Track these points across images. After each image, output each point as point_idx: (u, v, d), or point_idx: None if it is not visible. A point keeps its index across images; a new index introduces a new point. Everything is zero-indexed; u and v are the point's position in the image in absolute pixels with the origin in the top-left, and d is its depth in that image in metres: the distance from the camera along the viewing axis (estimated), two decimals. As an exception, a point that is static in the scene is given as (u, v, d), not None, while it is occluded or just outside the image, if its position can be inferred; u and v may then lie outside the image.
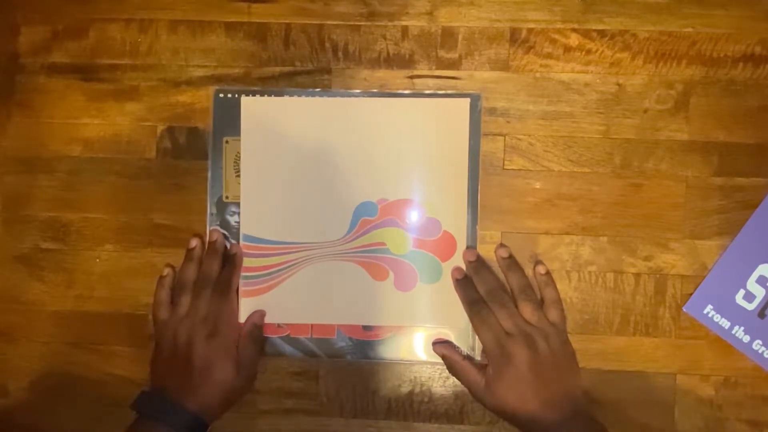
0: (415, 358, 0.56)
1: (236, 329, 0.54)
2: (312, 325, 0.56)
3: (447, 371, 0.55)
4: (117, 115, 0.58)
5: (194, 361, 0.50)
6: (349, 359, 0.56)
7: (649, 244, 0.55)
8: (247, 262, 0.56)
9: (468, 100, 0.55)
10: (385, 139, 0.56)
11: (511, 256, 0.55)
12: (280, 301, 0.56)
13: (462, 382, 0.53)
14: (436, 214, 0.56)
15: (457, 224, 0.56)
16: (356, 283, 0.56)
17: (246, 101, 0.56)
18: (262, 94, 0.56)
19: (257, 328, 0.55)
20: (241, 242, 0.56)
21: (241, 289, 0.56)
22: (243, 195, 0.56)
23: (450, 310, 0.55)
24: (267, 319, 0.55)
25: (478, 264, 0.55)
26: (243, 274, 0.56)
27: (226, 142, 0.56)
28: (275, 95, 0.56)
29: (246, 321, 0.55)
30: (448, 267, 0.55)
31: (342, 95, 0.56)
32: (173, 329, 0.52)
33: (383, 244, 0.56)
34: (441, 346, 0.55)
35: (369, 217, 0.56)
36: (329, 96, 0.56)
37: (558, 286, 0.55)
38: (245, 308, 0.55)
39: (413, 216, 0.56)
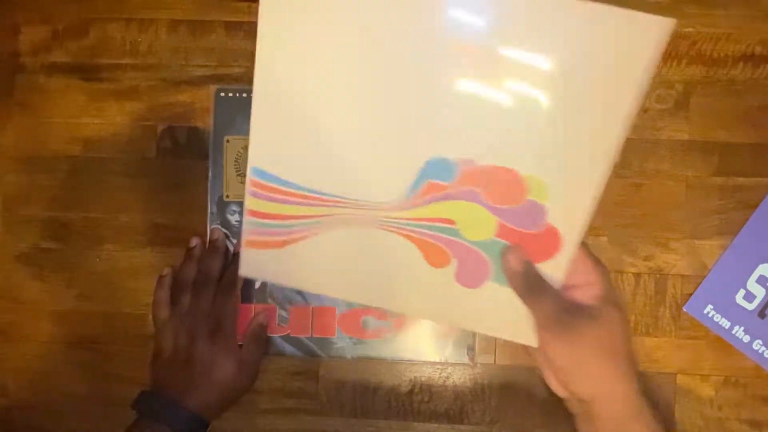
0: (416, 358, 0.56)
1: (238, 328, 0.54)
2: (312, 324, 0.56)
3: (446, 371, 0.55)
4: (117, 115, 0.58)
5: (195, 360, 0.50)
6: (350, 358, 0.56)
7: (649, 244, 0.55)
8: (254, 203, 0.42)
9: (663, 22, 0.35)
10: (491, 64, 0.36)
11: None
12: (296, 262, 0.43)
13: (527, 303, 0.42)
14: (543, 199, 0.39)
15: (571, 219, 0.39)
16: (404, 262, 0.42)
17: None
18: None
19: (262, 328, 0.55)
20: (249, 176, 0.42)
21: (245, 238, 0.44)
22: (255, 106, 0.40)
23: (522, 324, 0.42)
24: (276, 281, 0.46)
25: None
26: (248, 218, 0.43)
27: (227, 141, 0.56)
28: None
29: (251, 321, 0.55)
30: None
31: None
32: (173, 328, 0.52)
33: (452, 222, 0.40)
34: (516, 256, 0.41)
35: (441, 182, 0.39)
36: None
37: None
38: (248, 262, 0.45)
39: (508, 194, 0.39)
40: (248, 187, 0.42)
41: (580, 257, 0.42)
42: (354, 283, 0.44)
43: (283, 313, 0.56)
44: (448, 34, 0.36)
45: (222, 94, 0.57)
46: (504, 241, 0.41)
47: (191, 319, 0.52)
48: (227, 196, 0.56)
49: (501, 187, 0.39)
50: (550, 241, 0.40)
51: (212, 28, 0.58)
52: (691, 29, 0.56)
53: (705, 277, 0.55)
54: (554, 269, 0.41)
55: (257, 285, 0.56)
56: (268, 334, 0.56)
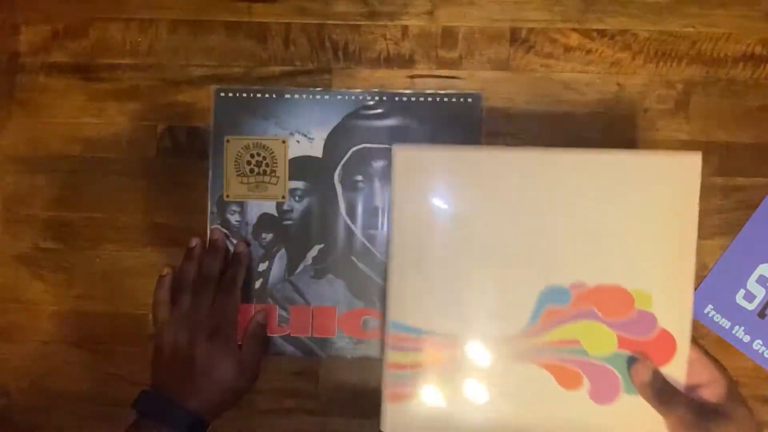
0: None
1: (239, 328, 0.54)
2: (312, 324, 0.56)
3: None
4: (117, 115, 0.58)
5: (195, 361, 0.50)
6: (350, 359, 0.56)
7: (649, 244, 0.55)
8: (396, 356, 0.46)
9: (699, 155, 0.44)
10: (584, 203, 0.44)
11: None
12: (436, 408, 0.46)
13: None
14: (649, 306, 0.44)
15: (678, 320, 0.44)
16: (539, 391, 0.45)
17: (399, 151, 0.45)
18: (263, 94, 0.56)
19: (261, 327, 0.55)
20: (390, 331, 0.46)
21: (387, 390, 0.46)
22: (392, 270, 0.45)
23: (661, 428, 0.44)
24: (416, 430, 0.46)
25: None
26: (390, 371, 0.46)
27: (227, 141, 0.56)
28: (276, 95, 0.56)
29: (250, 320, 0.55)
30: None
31: (344, 94, 0.56)
32: (174, 329, 0.52)
33: (577, 342, 0.44)
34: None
35: (559, 306, 0.45)
36: (334, 95, 0.56)
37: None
38: (392, 416, 0.46)
39: (619, 307, 0.44)
40: (389, 342, 0.46)
41: (698, 356, 0.45)
42: (491, 418, 0.46)
43: (284, 313, 0.56)
44: (559, 194, 0.45)
45: (222, 94, 0.57)
46: (626, 352, 0.45)
47: (191, 319, 0.52)
48: (227, 196, 0.56)
49: (612, 302, 0.44)
50: (665, 344, 0.44)
51: (212, 28, 0.58)
52: (691, 29, 0.56)
53: (705, 277, 0.55)
54: (675, 371, 0.44)
55: (257, 285, 0.56)
56: (268, 334, 0.56)
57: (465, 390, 0.46)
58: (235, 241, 0.56)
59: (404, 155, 0.46)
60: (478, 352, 0.45)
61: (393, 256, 0.45)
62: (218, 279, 0.54)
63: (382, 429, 0.46)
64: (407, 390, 0.46)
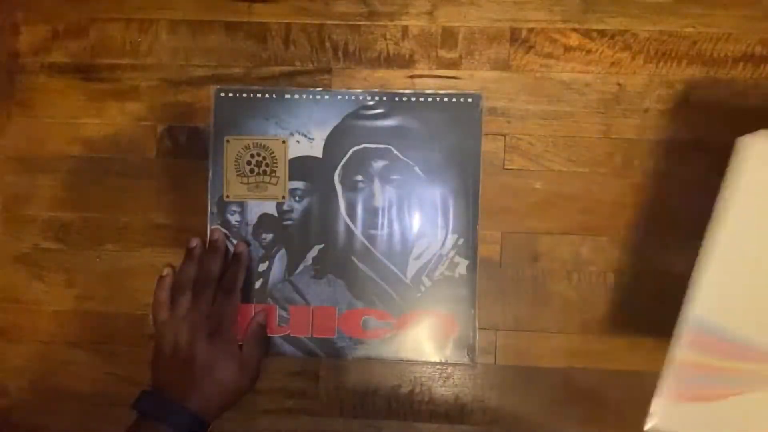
0: (415, 358, 0.56)
1: (239, 329, 0.54)
2: (312, 324, 0.56)
3: (447, 371, 0.55)
4: (117, 115, 0.58)
5: (196, 361, 0.50)
6: (350, 359, 0.56)
7: (649, 244, 0.55)
8: (696, 356, 0.42)
9: None
10: None
11: None
12: (721, 418, 0.42)
13: None
14: None
15: None
16: None
17: (755, 140, 0.42)
18: (263, 94, 0.56)
19: (261, 328, 0.55)
20: (690, 325, 0.42)
21: (671, 389, 0.42)
22: (710, 260, 0.42)
23: None
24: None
25: None
26: (675, 367, 0.42)
27: (227, 141, 0.56)
28: (276, 95, 0.56)
29: (251, 320, 0.55)
30: None
31: (344, 94, 0.56)
32: (174, 329, 0.52)
33: None
34: None
35: None
36: (334, 95, 0.56)
37: (558, 286, 0.55)
38: (669, 412, 0.42)
39: None
40: (684, 337, 0.42)
41: None
42: None
43: (284, 313, 0.56)
44: None
45: (222, 94, 0.57)
46: None
47: (191, 319, 0.52)
48: (227, 196, 0.56)
49: None
50: None
51: (212, 28, 0.58)
52: (691, 29, 0.56)
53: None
54: None
55: (257, 285, 0.56)
56: (268, 334, 0.56)
57: (756, 408, 0.41)
58: (235, 242, 0.56)
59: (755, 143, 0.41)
60: None
61: (717, 245, 0.41)
62: (218, 279, 0.54)
63: (647, 426, 0.43)
64: (701, 392, 0.42)
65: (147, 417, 0.49)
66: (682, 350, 0.42)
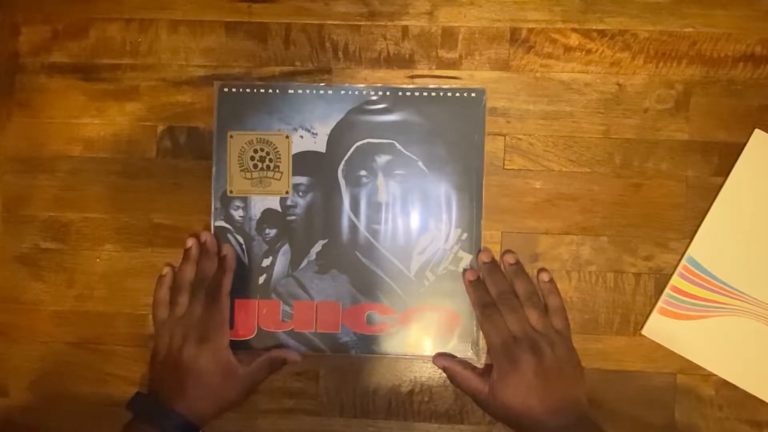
0: (419, 353, 0.56)
1: (226, 334, 0.52)
2: (316, 320, 0.56)
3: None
4: (117, 115, 0.58)
5: (184, 365, 0.50)
6: (354, 354, 0.56)
7: (649, 244, 0.55)
8: (681, 283, 0.54)
9: None
10: None
11: (517, 262, 0.55)
12: (692, 334, 0.54)
13: (465, 392, 0.53)
14: None
15: None
16: None
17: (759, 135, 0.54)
18: (266, 89, 0.56)
19: (281, 361, 0.54)
20: (683, 263, 0.55)
21: (661, 305, 0.54)
22: (709, 218, 0.54)
23: None
24: (674, 347, 0.54)
25: (492, 266, 0.55)
26: (669, 292, 0.54)
27: (231, 136, 0.56)
28: (279, 90, 0.56)
29: (278, 348, 0.55)
30: None
31: (347, 89, 0.56)
32: (170, 330, 0.52)
33: None
34: (441, 358, 0.54)
35: None
36: (337, 90, 0.56)
37: (558, 286, 0.55)
38: (656, 325, 0.54)
39: None
40: (679, 270, 0.54)
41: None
42: (740, 365, 0.53)
43: (287, 309, 0.56)
44: None
45: (225, 89, 0.57)
46: None
47: (185, 322, 0.52)
48: (231, 192, 0.56)
49: None
50: None
51: (212, 28, 0.58)
52: (691, 29, 0.56)
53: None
54: None
55: (261, 280, 0.56)
56: (272, 330, 0.55)
57: (723, 329, 0.53)
58: (239, 236, 0.56)
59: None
60: (752, 310, 0.53)
61: (724, 201, 0.54)
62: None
63: (643, 332, 0.54)
64: (678, 311, 0.54)
65: (138, 418, 0.49)
66: (677, 279, 0.54)
